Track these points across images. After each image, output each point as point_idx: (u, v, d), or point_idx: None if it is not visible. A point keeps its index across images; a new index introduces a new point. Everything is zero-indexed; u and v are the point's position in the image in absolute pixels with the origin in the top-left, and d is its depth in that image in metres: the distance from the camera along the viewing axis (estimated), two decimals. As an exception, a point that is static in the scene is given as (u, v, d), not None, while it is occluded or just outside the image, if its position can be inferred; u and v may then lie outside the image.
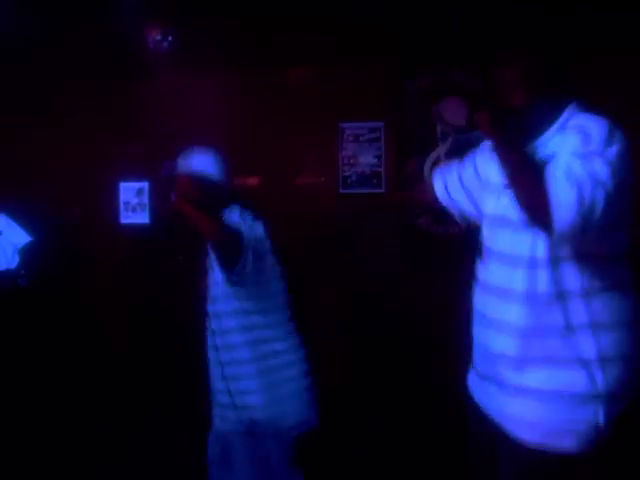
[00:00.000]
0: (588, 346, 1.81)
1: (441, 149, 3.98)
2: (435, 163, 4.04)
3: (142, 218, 4.52)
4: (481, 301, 2.02)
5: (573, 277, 1.81)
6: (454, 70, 3.83)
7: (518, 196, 1.78)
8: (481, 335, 2.01)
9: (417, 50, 3.90)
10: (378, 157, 4.03)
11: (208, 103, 3.95)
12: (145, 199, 4.53)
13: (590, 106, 1.89)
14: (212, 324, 2.57)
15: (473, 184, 2.16)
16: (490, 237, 2.00)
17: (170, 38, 3.75)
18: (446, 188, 2.26)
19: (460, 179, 2.22)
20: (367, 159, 4.05)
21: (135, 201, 4.54)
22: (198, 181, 2.52)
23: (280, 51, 4.08)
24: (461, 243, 3.15)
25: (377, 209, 4.03)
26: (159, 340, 4.27)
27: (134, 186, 4.55)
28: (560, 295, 1.82)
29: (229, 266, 2.42)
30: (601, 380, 1.81)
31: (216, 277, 2.52)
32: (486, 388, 2.00)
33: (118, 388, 4.20)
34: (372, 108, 4.02)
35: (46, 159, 4.48)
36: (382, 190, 4.02)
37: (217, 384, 2.60)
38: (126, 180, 4.55)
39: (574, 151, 1.71)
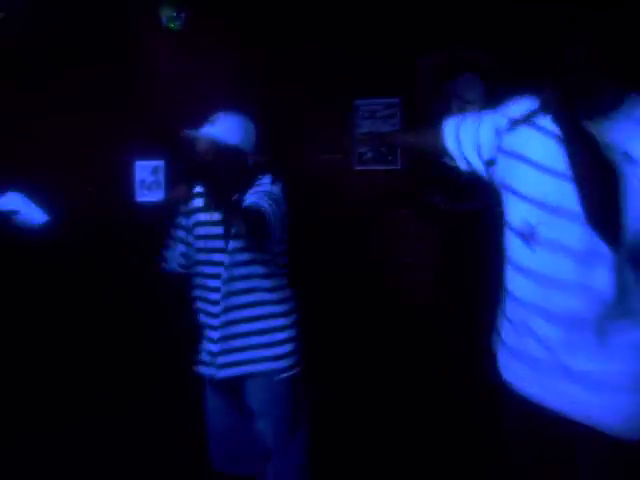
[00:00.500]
0: None
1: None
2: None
3: (157, 196, 4.53)
4: (524, 287, 1.89)
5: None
6: (468, 47, 3.79)
7: (587, 199, 1.63)
8: (540, 325, 1.84)
9: (431, 27, 3.86)
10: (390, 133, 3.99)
11: (223, 81, 3.94)
12: (161, 177, 4.53)
13: None
14: (218, 283, 2.60)
15: (489, 144, 2.07)
16: (540, 222, 1.83)
17: (183, 15, 3.73)
18: (458, 139, 2.16)
19: (476, 134, 2.11)
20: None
21: (151, 179, 4.55)
22: (217, 147, 2.51)
23: (295, 29, 4.06)
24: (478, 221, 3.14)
25: (393, 186, 4.01)
26: (175, 316, 4.29)
27: (150, 164, 4.55)
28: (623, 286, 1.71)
29: (255, 245, 2.48)
30: None
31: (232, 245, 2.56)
32: (549, 380, 1.84)
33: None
34: (388, 84, 3.98)
35: (61, 138, 4.51)
36: (398, 167, 3.99)
37: (211, 334, 2.64)
38: (142, 158, 4.55)
39: None
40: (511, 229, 1.92)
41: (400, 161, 4.00)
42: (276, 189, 2.57)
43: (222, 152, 2.52)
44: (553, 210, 1.79)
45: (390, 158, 4.00)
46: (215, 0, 3.98)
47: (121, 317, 4.39)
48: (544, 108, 1.71)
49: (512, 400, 1.94)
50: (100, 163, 4.50)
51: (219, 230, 2.58)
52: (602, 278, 1.71)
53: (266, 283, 2.59)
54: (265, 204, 2.43)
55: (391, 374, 3.95)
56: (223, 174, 2.48)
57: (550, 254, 1.79)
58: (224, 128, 2.55)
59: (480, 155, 2.11)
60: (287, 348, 2.62)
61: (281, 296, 2.64)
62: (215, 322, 2.59)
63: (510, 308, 1.95)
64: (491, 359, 2.05)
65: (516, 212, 1.90)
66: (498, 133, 2.03)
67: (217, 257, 2.58)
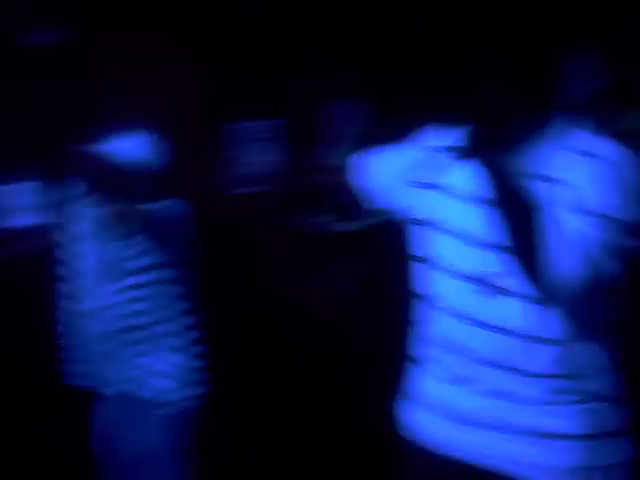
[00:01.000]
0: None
1: (334, 150, 3.97)
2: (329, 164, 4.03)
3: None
4: (453, 328, 1.69)
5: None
6: (344, 73, 3.83)
7: (516, 252, 1.49)
8: (465, 370, 1.68)
9: (312, 49, 3.89)
10: (269, 157, 4.00)
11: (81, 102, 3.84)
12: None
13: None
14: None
15: (405, 179, 1.83)
16: (457, 255, 1.67)
17: (56, 32, 3.64)
18: (368, 177, 1.97)
19: (389, 169, 1.91)
20: (258, 159, 4.02)
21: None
22: (113, 164, 2.47)
23: (169, 48, 3.99)
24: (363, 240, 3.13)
25: (270, 209, 3.99)
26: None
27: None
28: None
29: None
30: (623, 416, 1.66)
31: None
32: (477, 436, 1.68)
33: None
34: (264, 107, 3.98)
35: None
36: (274, 190, 3.99)
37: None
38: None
39: (595, 199, 1.42)
40: (449, 271, 1.70)
41: (276, 184, 3.99)
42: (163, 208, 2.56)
43: (119, 168, 2.48)
44: (471, 240, 1.65)
45: (265, 181, 4.00)
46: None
47: None
48: (464, 143, 1.57)
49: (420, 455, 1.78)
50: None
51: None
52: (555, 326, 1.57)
53: None
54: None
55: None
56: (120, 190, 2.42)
57: (514, 302, 1.59)
58: (125, 144, 2.55)
59: (393, 192, 1.92)
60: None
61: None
62: None
63: (447, 359, 1.73)
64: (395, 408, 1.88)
65: (458, 253, 1.68)
66: (416, 166, 1.82)
67: None
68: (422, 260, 1.76)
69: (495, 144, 1.54)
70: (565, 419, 1.60)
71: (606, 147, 1.52)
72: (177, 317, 2.58)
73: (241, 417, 3.72)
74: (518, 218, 1.47)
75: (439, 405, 1.72)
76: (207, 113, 4.01)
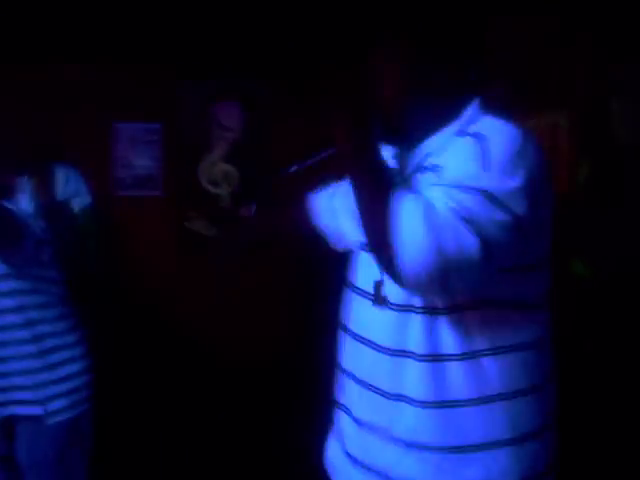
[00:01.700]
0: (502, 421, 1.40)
1: (215, 155, 4.01)
2: (211, 167, 4.06)
3: None
4: (350, 354, 1.53)
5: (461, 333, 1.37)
6: (234, 74, 3.87)
7: (362, 223, 1.32)
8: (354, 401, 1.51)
9: (198, 52, 3.88)
10: (155, 159, 3.98)
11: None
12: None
13: (497, 106, 1.46)
14: None
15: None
16: (357, 274, 1.54)
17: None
18: (333, 211, 1.78)
19: (334, 202, 1.77)
20: (143, 161, 3.98)
21: None
22: None
23: (56, 48, 3.88)
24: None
25: (153, 213, 3.97)
26: None
27: None
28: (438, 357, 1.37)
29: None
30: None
31: None
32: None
33: None
34: (149, 109, 3.94)
35: None
36: (158, 193, 3.96)
37: None
38: None
39: (458, 180, 1.26)
40: (354, 291, 1.56)
41: (161, 188, 3.97)
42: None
43: None
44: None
45: (151, 185, 3.96)
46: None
47: None
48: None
49: None
50: None
51: None
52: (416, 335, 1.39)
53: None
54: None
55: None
56: None
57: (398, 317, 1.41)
58: None
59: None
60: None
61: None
62: None
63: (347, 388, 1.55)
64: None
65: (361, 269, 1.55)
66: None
67: None
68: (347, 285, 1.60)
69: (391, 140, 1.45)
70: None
71: (490, 126, 1.37)
72: (56, 320, 2.49)
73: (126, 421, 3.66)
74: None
75: (340, 434, 1.56)
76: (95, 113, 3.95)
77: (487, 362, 1.36)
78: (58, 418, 2.34)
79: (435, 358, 1.35)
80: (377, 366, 1.41)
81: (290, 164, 1.44)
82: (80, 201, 2.67)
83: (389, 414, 1.40)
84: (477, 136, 1.33)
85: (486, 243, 1.20)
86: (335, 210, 1.75)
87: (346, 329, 1.54)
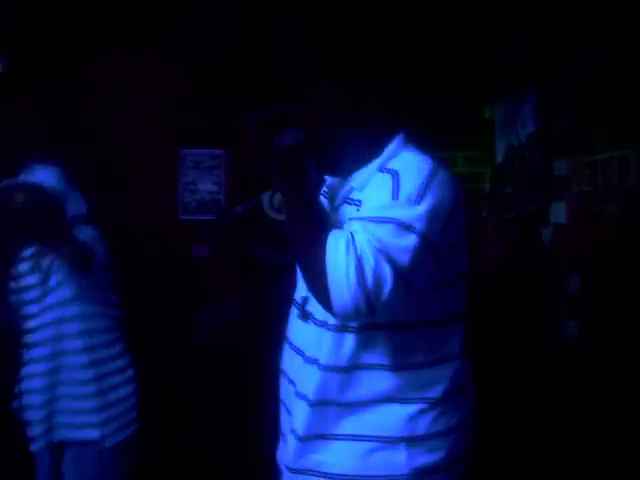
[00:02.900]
0: (396, 424, 1.55)
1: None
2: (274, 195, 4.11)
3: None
4: (284, 359, 1.72)
5: (381, 349, 1.53)
6: (294, 101, 3.92)
7: (297, 261, 1.49)
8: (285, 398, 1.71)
9: (257, 80, 3.97)
10: (218, 184, 4.06)
11: (45, 123, 3.83)
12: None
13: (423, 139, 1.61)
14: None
15: None
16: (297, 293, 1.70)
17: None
18: None
19: None
20: (207, 186, 4.07)
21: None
22: (37, 194, 2.34)
23: (124, 73, 4.03)
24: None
25: (215, 236, 4.04)
26: None
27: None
28: (367, 366, 1.54)
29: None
30: (408, 459, 1.55)
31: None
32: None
33: None
34: (213, 135, 4.03)
35: None
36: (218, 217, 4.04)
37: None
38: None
39: (372, 212, 1.41)
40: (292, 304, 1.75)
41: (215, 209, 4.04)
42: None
43: (42, 200, 2.41)
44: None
45: (214, 208, 4.04)
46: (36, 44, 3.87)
47: None
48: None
49: None
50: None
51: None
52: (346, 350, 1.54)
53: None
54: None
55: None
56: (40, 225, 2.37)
57: (316, 328, 1.59)
58: (44, 175, 2.42)
59: None
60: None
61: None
62: None
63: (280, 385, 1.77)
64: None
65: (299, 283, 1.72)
66: None
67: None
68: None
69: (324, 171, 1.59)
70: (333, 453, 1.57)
71: (405, 161, 1.51)
72: (112, 345, 2.46)
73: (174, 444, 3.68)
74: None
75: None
76: (161, 138, 4.06)
77: (386, 374, 1.53)
78: (111, 441, 2.36)
79: (339, 369, 1.53)
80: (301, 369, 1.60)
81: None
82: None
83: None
84: (391, 172, 1.47)
85: (400, 269, 1.35)
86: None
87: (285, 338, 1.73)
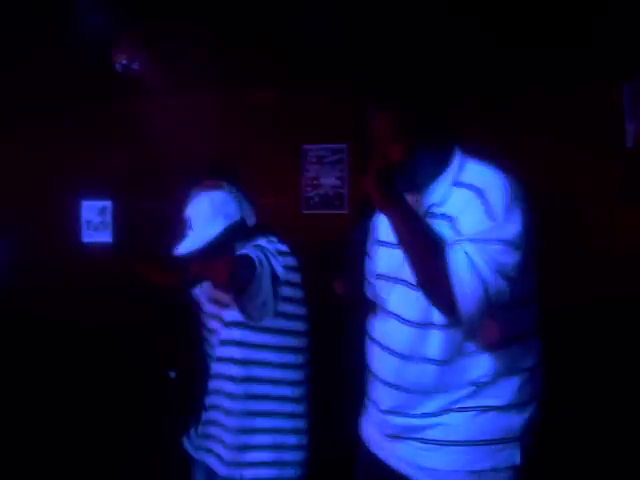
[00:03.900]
0: (498, 394, 1.79)
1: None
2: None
3: (105, 237, 4.52)
4: (378, 359, 1.94)
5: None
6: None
7: (416, 271, 1.68)
8: (382, 393, 1.92)
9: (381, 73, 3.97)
10: (341, 179, 4.10)
11: (173, 125, 3.98)
12: (108, 218, 4.52)
13: (474, 151, 1.82)
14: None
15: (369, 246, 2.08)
16: (385, 295, 1.92)
17: (137, 62, 3.76)
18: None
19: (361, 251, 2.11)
20: (330, 180, 4.11)
21: (97, 220, 4.54)
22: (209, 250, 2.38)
23: (245, 74, 4.12)
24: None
25: (341, 230, 4.07)
26: (124, 358, 4.26)
27: (97, 204, 4.55)
28: (460, 354, 1.76)
29: (244, 300, 2.29)
30: (516, 423, 1.80)
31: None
32: (393, 445, 1.91)
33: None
34: (335, 130, 4.07)
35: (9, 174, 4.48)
36: (345, 211, 4.07)
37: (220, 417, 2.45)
38: (89, 198, 4.55)
39: (477, 235, 1.61)
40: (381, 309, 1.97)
41: (347, 206, 4.07)
42: (270, 246, 2.41)
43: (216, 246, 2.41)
44: (395, 281, 1.86)
45: (338, 203, 4.08)
46: (167, 46, 4.01)
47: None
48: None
49: (364, 459, 2.04)
50: (46, 202, 4.47)
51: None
52: (435, 346, 1.77)
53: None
54: (250, 253, 2.31)
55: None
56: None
57: (396, 323, 1.84)
58: (201, 231, 2.41)
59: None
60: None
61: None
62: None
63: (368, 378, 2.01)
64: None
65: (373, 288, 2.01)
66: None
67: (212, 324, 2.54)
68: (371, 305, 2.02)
69: (394, 187, 1.70)
70: (446, 428, 1.80)
71: (480, 176, 1.72)
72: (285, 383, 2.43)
73: None
74: (418, 254, 1.68)
75: (370, 420, 2.01)
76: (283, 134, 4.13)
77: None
78: None
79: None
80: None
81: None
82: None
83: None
84: (473, 189, 1.68)
85: (512, 282, 1.59)
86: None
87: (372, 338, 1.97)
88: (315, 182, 4.13)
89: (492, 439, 1.79)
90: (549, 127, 3.73)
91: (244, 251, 2.33)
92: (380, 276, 1.95)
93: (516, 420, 1.81)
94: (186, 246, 2.39)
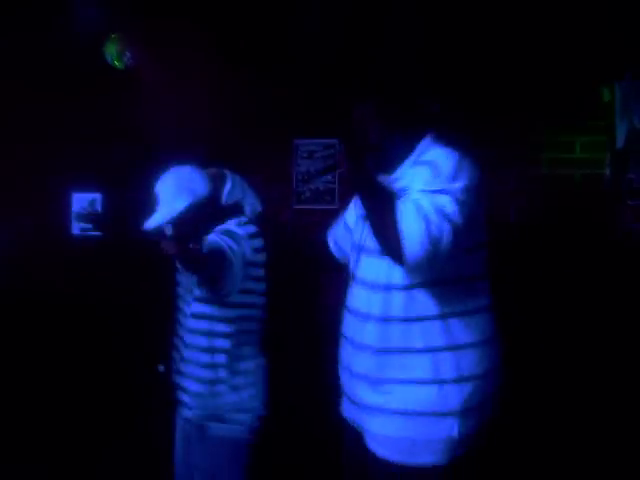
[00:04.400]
0: (446, 366, 1.93)
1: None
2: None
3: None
4: (345, 324, 2.14)
5: (429, 302, 1.93)
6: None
7: (373, 228, 1.87)
8: (344, 357, 2.12)
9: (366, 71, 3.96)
10: (332, 174, 4.08)
11: (162, 118, 3.96)
12: (97, 210, 4.51)
13: (448, 137, 2.03)
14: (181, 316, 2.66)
15: (352, 223, 2.33)
16: (354, 264, 2.14)
17: (129, 54, 3.74)
18: (336, 243, 2.48)
19: (345, 225, 2.42)
20: (319, 175, 4.09)
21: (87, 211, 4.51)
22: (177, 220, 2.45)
23: (236, 69, 4.10)
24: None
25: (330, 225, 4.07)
26: (113, 351, 4.25)
27: (87, 196, 4.53)
28: (417, 319, 1.93)
29: (212, 286, 2.44)
30: (457, 397, 1.93)
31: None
32: (353, 408, 2.10)
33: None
34: (326, 125, 4.05)
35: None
36: (336, 206, 4.06)
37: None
38: (79, 190, 4.53)
39: (424, 186, 1.82)
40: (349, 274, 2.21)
41: (338, 201, 4.07)
42: (241, 230, 2.54)
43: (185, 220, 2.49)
44: (360, 249, 2.11)
45: (329, 198, 4.07)
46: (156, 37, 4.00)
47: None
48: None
49: (345, 427, 2.19)
50: (35, 194, 4.45)
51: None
52: (398, 305, 1.96)
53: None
54: (222, 241, 2.43)
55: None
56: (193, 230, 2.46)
57: (362, 290, 2.06)
58: (172, 202, 2.51)
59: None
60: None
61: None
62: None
63: (341, 345, 2.17)
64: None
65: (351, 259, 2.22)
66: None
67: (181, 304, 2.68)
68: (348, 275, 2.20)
69: (365, 167, 1.89)
70: (391, 395, 1.97)
71: (435, 154, 1.94)
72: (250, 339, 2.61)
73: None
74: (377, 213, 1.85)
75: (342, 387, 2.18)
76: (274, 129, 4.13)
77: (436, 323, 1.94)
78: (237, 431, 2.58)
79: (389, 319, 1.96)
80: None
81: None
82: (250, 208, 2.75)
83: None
84: (426, 162, 1.92)
85: (455, 227, 1.76)
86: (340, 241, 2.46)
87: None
88: (306, 177, 4.12)
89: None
90: (540, 126, 3.75)
91: (214, 238, 2.43)
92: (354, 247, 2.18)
93: (456, 394, 1.94)
94: (154, 221, 2.48)
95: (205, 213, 2.54)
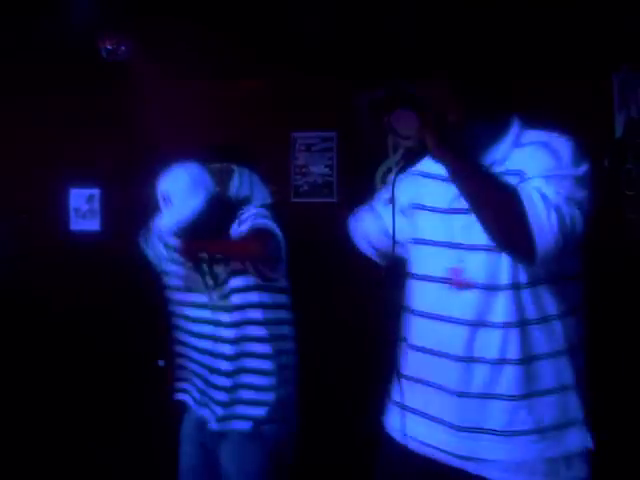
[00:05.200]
0: (567, 372, 1.73)
1: (392, 160, 4.05)
2: (387, 173, 4.14)
3: (93, 225, 4.50)
4: (424, 335, 1.82)
5: (552, 300, 1.72)
6: (406, 82, 3.88)
7: (487, 219, 1.61)
8: (442, 376, 1.78)
9: (369, 61, 3.95)
10: (330, 167, 4.08)
11: (160, 113, 3.95)
12: (96, 206, 4.50)
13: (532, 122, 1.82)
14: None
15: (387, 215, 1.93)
16: (429, 263, 1.82)
17: (123, 48, 3.72)
18: (366, 235, 2.08)
19: (380, 220, 2.03)
20: (319, 169, 4.09)
21: (85, 207, 4.51)
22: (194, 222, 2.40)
23: (233, 63, 4.09)
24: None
25: (328, 218, 4.07)
26: (112, 347, 4.25)
27: (85, 192, 4.52)
28: (543, 319, 1.71)
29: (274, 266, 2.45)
30: (582, 404, 1.74)
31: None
32: (450, 435, 1.76)
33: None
34: (324, 118, 4.05)
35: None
36: (334, 200, 4.06)
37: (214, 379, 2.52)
38: (77, 186, 4.52)
39: (546, 173, 1.61)
40: (422, 279, 1.86)
41: (336, 194, 4.06)
42: (263, 212, 2.52)
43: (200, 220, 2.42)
44: (466, 248, 1.76)
45: (327, 191, 4.07)
46: (154, 32, 3.98)
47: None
48: (422, 151, 1.74)
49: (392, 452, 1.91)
50: (34, 190, 4.44)
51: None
52: (527, 305, 1.71)
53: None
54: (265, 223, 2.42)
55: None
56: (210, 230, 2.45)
57: (478, 294, 1.72)
58: (181, 201, 2.42)
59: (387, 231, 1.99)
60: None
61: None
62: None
63: (413, 361, 1.86)
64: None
65: (429, 260, 1.84)
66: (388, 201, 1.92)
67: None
68: (413, 276, 1.90)
69: (460, 147, 1.69)
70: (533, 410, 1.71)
71: (542, 135, 1.73)
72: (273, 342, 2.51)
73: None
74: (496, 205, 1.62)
75: (414, 407, 1.85)
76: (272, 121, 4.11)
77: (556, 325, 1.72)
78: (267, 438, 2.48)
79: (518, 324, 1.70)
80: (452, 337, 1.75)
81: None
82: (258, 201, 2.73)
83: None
84: (536, 143, 1.70)
85: (585, 215, 1.59)
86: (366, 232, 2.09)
87: (412, 310, 1.86)
88: (304, 170, 4.11)
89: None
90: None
91: (258, 221, 2.40)
92: (420, 241, 1.86)
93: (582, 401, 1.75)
94: (169, 221, 2.41)
95: (219, 208, 2.47)
